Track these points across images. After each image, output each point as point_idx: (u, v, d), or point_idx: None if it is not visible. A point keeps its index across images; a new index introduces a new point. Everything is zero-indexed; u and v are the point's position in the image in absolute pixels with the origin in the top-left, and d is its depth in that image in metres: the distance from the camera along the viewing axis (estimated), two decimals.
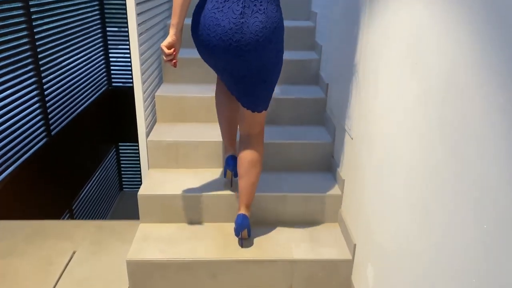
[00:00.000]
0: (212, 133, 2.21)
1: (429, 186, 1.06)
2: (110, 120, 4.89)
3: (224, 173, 2.02)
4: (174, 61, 1.53)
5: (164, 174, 2.11)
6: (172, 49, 1.51)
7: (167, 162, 2.17)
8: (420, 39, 1.13)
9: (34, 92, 3.13)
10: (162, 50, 1.50)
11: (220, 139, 2.13)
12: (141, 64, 2.10)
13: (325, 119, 2.34)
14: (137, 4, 2.03)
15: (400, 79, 1.28)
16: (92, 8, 4.34)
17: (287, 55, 2.34)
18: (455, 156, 0.93)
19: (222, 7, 1.47)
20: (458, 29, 0.93)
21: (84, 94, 4.15)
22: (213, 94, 2.30)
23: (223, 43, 1.48)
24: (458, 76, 0.92)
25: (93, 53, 4.37)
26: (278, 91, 2.42)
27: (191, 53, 2.45)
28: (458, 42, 0.92)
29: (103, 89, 4.73)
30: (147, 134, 2.19)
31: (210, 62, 1.62)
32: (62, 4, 3.62)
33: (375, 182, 1.48)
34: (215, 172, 2.13)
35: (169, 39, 1.50)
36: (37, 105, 3.17)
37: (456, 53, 0.93)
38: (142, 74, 2.13)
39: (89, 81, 4.27)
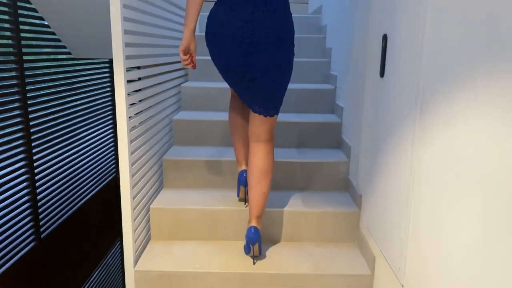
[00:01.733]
0: (216, 260, 1.76)
1: None
2: (116, 211, 4.50)
3: (238, 192, 1.95)
4: (192, 64, 1.63)
5: None
6: (188, 55, 1.60)
7: None
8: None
9: (24, 184, 2.79)
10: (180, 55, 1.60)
11: (230, 268, 1.68)
12: (131, 176, 1.72)
13: (359, 237, 1.87)
14: (128, 95, 1.71)
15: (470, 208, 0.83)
16: (103, 85, 4.15)
17: (318, 157, 1.96)
18: None
19: (235, 7, 1.52)
20: None
21: (88, 185, 3.82)
22: (217, 206, 1.92)
23: (234, 40, 1.52)
24: None
25: (101, 135, 4.11)
26: (301, 203, 1.99)
27: (194, 154, 2.09)
28: None
29: (110, 178, 4.41)
30: (135, 261, 1.75)
31: (223, 65, 1.62)
32: (64, 82, 3.41)
33: None
34: None
35: (184, 42, 1.56)
36: (26, 198, 2.82)
37: None
38: (133, 187, 1.74)
39: (95, 169, 3.96)
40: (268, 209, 1.90)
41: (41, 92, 3.02)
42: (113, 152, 4.45)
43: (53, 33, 3.16)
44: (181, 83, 2.73)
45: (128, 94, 1.69)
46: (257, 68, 1.56)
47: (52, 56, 3.24)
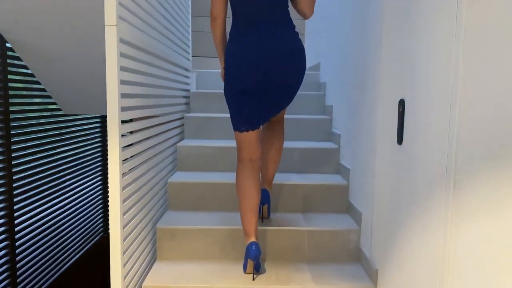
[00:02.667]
0: None
1: None
2: (104, 272, 4.20)
3: (244, 266, 1.80)
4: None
5: None
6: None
7: None
8: None
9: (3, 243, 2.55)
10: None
11: None
12: (122, 240, 1.54)
13: None
14: (123, 149, 1.56)
15: None
16: (92, 139, 3.99)
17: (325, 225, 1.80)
18: None
19: (246, 33, 1.73)
20: None
21: (75, 246, 3.56)
22: (218, 284, 1.72)
23: (248, 63, 1.70)
24: None
25: (89, 193, 3.89)
26: (310, 279, 1.80)
27: (191, 221, 1.93)
28: None
29: (99, 237, 4.15)
30: None
31: (240, 87, 1.74)
32: (52, 133, 3.25)
33: None
34: None
35: (222, 70, 1.87)
36: (4, 260, 2.56)
37: None
38: (124, 264, 1.55)
39: (83, 228, 3.71)
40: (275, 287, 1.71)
41: (28, 144, 2.87)
42: (101, 211, 4.23)
43: (44, 90, 3.06)
44: (177, 142, 2.60)
45: (122, 148, 1.55)
46: (273, 89, 1.75)
47: (41, 107, 3.12)
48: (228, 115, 2.73)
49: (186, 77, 2.99)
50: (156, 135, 2.11)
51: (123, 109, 1.56)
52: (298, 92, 2.95)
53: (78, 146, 3.66)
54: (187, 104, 2.99)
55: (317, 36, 3.40)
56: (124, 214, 1.57)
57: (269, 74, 1.70)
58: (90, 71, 2.67)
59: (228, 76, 1.76)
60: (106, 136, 1.73)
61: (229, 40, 1.80)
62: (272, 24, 1.71)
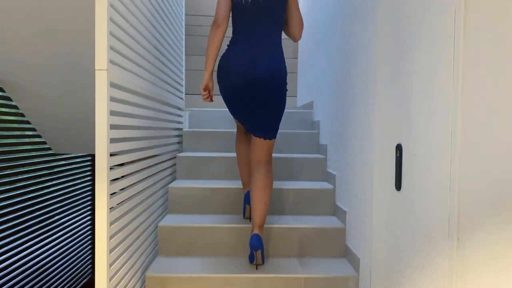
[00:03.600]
0: None
1: None
2: None
3: (244, 211, 2.24)
4: (209, 98, 2.06)
5: None
6: (207, 91, 2.03)
7: None
8: None
9: None
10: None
11: None
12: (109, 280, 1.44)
13: None
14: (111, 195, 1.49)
15: None
16: (83, 174, 3.90)
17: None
18: None
19: (239, 51, 1.97)
20: None
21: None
22: None
23: (240, 77, 1.93)
24: None
25: (77, 234, 3.76)
26: None
27: (183, 268, 1.84)
28: None
29: (86, 279, 3.98)
30: None
31: (232, 97, 2.00)
32: (40, 172, 3.16)
33: None
34: None
35: (204, 82, 2.01)
36: None
37: None
38: None
39: (71, 270, 3.56)
40: None
41: (8, 179, 2.78)
42: (90, 252, 4.08)
43: (34, 129, 3.01)
44: (169, 183, 2.54)
45: (110, 195, 1.48)
46: (257, 99, 1.95)
47: (31, 147, 3.05)
48: (221, 154, 2.70)
49: (179, 115, 2.96)
50: (147, 177, 2.05)
51: (113, 154, 1.51)
52: (292, 131, 2.96)
53: (67, 186, 3.57)
54: (179, 143, 2.95)
55: (309, 75, 3.42)
56: (110, 265, 1.48)
57: (253, 80, 1.92)
58: (80, 111, 2.63)
59: (219, 81, 2.03)
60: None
61: (226, 50, 2.03)
62: (265, 41, 1.97)
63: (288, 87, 2.03)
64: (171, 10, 2.62)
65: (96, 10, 1.39)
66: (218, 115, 3.22)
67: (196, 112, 3.26)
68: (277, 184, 2.45)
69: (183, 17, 3.25)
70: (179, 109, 2.99)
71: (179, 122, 2.96)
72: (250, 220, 2.21)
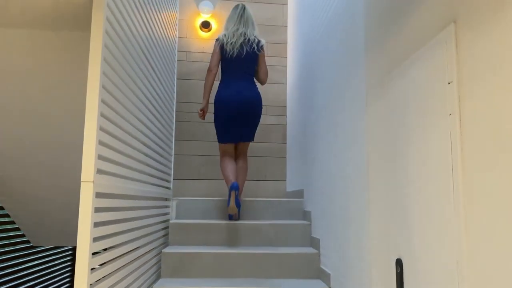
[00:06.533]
0: None
1: None
2: None
3: (228, 201, 2.79)
4: (203, 116, 3.10)
5: None
6: (202, 111, 3.08)
7: None
8: None
9: None
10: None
11: None
12: None
13: None
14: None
15: None
16: (61, 272, 3.66)
17: None
18: None
19: (229, 87, 3.01)
20: None
21: None
22: None
23: (232, 103, 2.96)
24: None
25: None
26: None
27: None
28: None
29: None
30: None
31: (226, 119, 2.99)
32: (20, 267, 2.94)
33: None
34: None
35: (202, 106, 3.07)
36: None
37: None
38: None
39: None
40: None
41: None
42: None
43: (13, 222, 2.87)
44: (152, 283, 2.38)
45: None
46: (246, 119, 3.01)
47: (9, 241, 2.89)
48: (212, 249, 2.57)
49: (166, 206, 2.88)
50: (127, 276, 1.91)
51: (93, 262, 1.40)
52: (282, 222, 2.88)
53: (46, 279, 3.34)
54: (165, 236, 2.82)
55: (299, 160, 3.42)
56: None
57: (241, 109, 2.97)
58: (62, 205, 2.53)
59: (217, 108, 3.01)
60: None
61: (219, 87, 3.07)
62: (244, 81, 3.04)
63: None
64: (163, 97, 2.66)
65: (86, 117, 1.37)
66: (207, 205, 3.13)
67: (184, 202, 3.17)
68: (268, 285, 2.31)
69: (174, 103, 3.30)
70: (166, 199, 2.91)
71: (165, 214, 2.87)
72: (237, 218, 2.94)
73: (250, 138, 3.11)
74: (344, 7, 2.11)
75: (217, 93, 3.03)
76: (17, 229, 2.93)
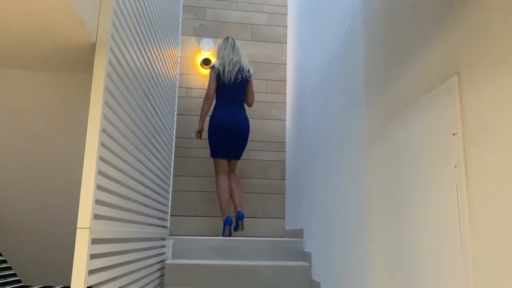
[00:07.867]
0: None
1: None
2: None
3: (223, 231, 3.36)
4: (199, 137, 3.64)
5: None
6: (199, 133, 3.61)
7: None
8: None
9: None
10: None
11: None
12: None
13: None
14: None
15: None
16: None
17: None
18: None
19: (224, 109, 3.53)
20: None
21: None
22: None
23: (225, 126, 3.48)
24: None
25: None
26: None
27: None
28: None
29: None
30: None
31: (220, 139, 3.51)
32: None
33: None
34: None
35: (199, 128, 3.60)
36: None
37: None
38: None
39: None
40: None
41: None
42: None
43: (5, 261, 2.79)
44: None
45: None
46: (236, 138, 3.53)
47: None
48: None
49: (162, 246, 2.81)
50: None
51: None
52: (281, 263, 2.79)
53: None
54: (161, 276, 2.74)
55: (297, 198, 3.38)
56: None
57: (232, 130, 3.48)
58: (56, 248, 2.47)
59: (212, 126, 3.51)
60: None
61: (213, 109, 3.56)
62: (236, 106, 3.57)
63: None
64: (162, 135, 2.64)
65: (85, 162, 1.35)
66: (205, 244, 3.06)
67: (181, 241, 3.10)
68: None
69: (174, 139, 3.29)
70: (163, 239, 2.85)
71: (162, 254, 2.80)
72: (230, 235, 3.37)
73: (238, 157, 3.65)
74: (343, 52, 2.14)
75: (212, 114, 3.53)
76: (9, 268, 2.84)
